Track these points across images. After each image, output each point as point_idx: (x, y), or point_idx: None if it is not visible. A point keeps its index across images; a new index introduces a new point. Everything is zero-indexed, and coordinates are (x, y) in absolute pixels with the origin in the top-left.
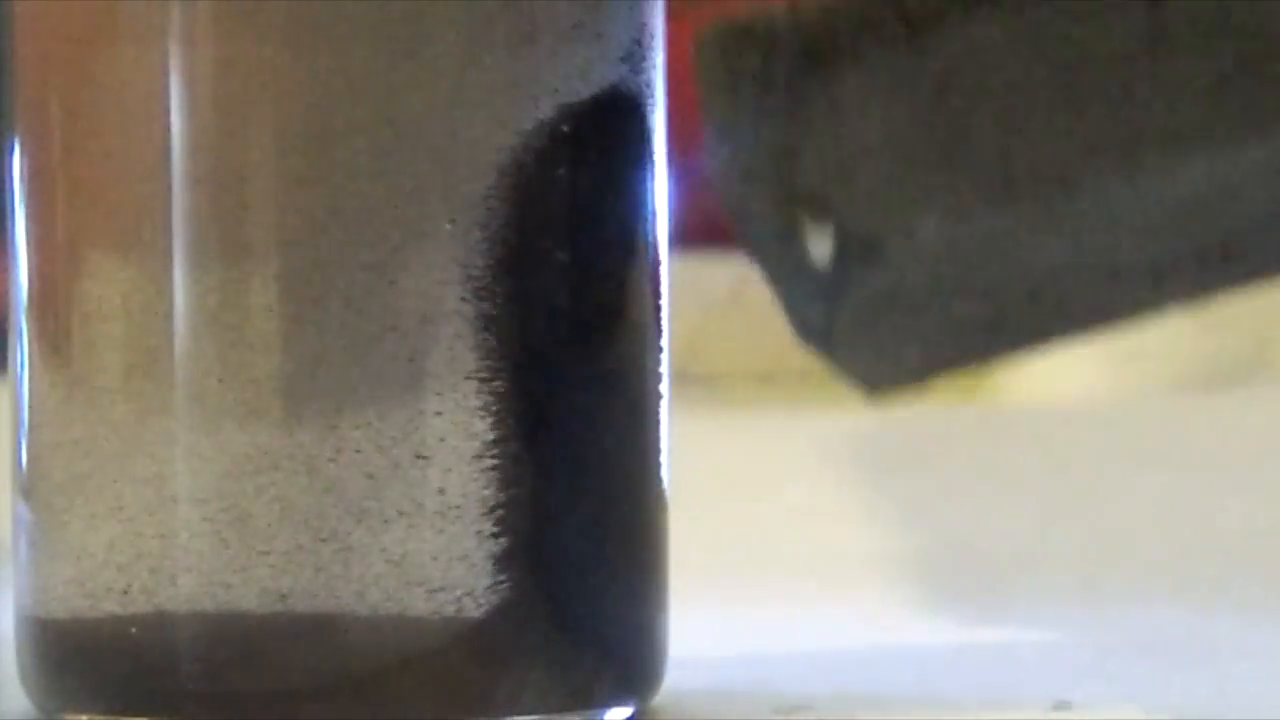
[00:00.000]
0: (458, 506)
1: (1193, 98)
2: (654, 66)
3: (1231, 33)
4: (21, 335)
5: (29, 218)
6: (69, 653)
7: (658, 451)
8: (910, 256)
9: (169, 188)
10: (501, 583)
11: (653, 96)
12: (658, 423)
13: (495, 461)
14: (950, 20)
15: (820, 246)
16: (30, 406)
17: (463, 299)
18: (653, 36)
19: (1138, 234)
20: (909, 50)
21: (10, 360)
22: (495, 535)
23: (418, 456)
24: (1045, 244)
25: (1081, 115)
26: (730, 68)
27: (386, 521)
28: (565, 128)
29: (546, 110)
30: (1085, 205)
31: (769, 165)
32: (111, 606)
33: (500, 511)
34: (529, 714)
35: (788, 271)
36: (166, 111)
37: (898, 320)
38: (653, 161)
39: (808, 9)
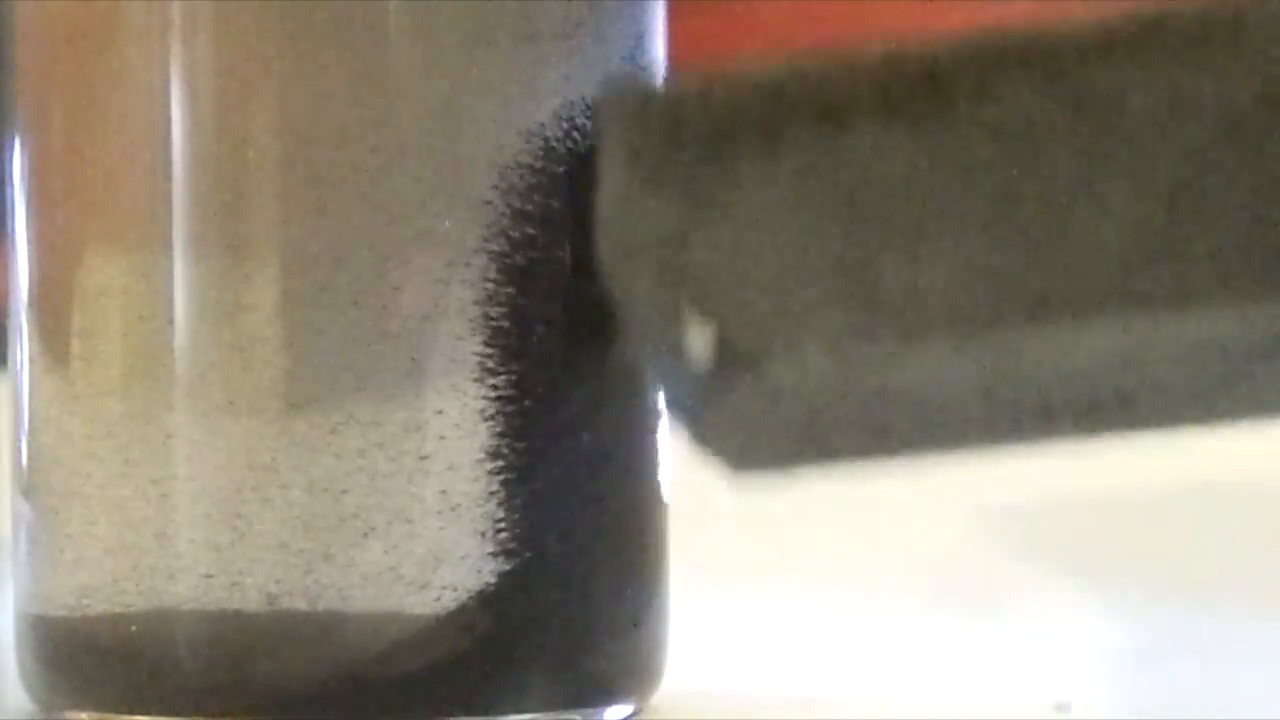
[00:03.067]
0: (459, 506)
1: (1116, 258)
2: (654, 66)
3: (1166, 198)
4: (21, 335)
5: (29, 216)
6: (69, 650)
7: (658, 451)
8: (793, 373)
9: (169, 187)
10: (501, 583)
11: None
12: (658, 422)
13: (496, 462)
14: (866, 122)
15: (698, 345)
16: (30, 406)
17: (463, 299)
18: (653, 36)
19: (1038, 377)
20: (820, 148)
21: (10, 360)
22: (496, 535)
23: (419, 456)
24: (940, 375)
25: (997, 256)
26: (630, 138)
27: (387, 521)
28: (565, 127)
29: (546, 110)
30: (989, 350)
31: (657, 246)
32: (111, 605)
33: (501, 512)
34: (528, 713)
35: (663, 355)
36: (166, 111)
37: (772, 417)
38: None
39: (719, 88)
